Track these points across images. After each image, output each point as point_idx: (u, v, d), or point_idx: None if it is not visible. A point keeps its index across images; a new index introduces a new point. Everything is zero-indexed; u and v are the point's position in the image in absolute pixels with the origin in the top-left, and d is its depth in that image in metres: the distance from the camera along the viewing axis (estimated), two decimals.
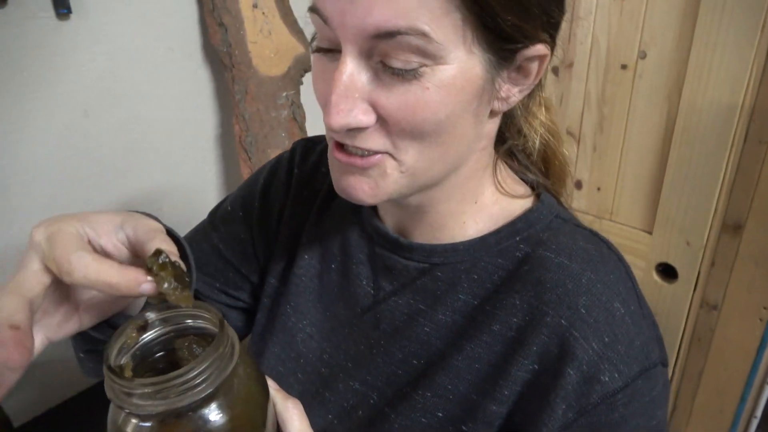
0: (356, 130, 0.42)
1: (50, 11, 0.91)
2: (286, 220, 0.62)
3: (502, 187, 0.52)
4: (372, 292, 0.55)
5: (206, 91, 1.17)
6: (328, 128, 0.41)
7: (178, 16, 1.08)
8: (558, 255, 0.47)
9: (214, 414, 0.31)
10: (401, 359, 0.51)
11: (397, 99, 0.40)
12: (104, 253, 0.40)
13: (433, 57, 0.39)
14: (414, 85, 0.39)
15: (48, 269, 0.37)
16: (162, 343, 0.35)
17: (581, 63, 1.17)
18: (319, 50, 0.43)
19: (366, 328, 0.54)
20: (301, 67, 1.18)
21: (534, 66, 0.43)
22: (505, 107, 0.45)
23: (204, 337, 0.34)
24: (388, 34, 0.38)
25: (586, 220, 1.28)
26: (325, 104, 0.41)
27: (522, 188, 0.53)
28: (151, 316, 0.34)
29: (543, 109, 0.53)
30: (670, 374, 1.22)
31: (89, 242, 0.39)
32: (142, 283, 0.35)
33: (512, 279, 0.48)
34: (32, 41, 0.90)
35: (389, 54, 0.39)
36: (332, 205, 0.60)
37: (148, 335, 0.34)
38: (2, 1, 0.85)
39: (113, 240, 0.39)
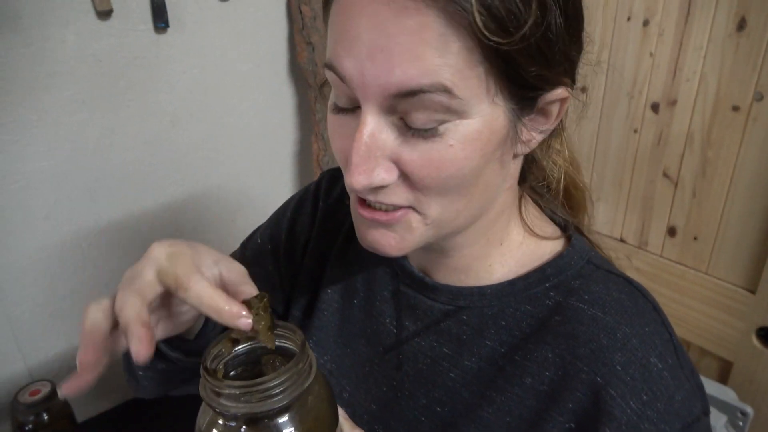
0: (379, 188, 0.41)
1: (149, 24, 0.94)
2: (310, 252, 0.61)
3: (529, 226, 0.50)
4: (395, 330, 0.53)
5: (288, 109, 1.17)
6: (350, 188, 0.40)
7: (268, 33, 1.09)
8: (591, 307, 0.45)
9: (287, 425, 0.34)
10: (425, 405, 0.50)
11: (420, 156, 0.39)
12: None
13: (456, 112, 0.38)
14: (437, 142, 0.39)
15: (161, 282, 0.40)
16: (251, 357, 0.39)
17: (686, 101, 1.08)
18: (337, 110, 0.42)
19: (388, 368, 0.53)
20: None
21: (555, 108, 0.42)
22: (526, 150, 0.44)
23: (287, 357, 0.38)
24: (411, 93, 0.37)
25: (677, 271, 1.17)
26: (346, 163, 0.40)
27: (550, 228, 0.52)
28: (245, 332, 0.39)
29: (562, 142, 0.51)
30: None
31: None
32: (241, 318, 0.38)
33: (543, 329, 0.46)
34: (131, 52, 0.94)
35: (411, 111, 0.38)
36: (356, 238, 0.58)
37: (241, 348, 0.38)
38: (107, 14, 0.89)
39: (208, 273, 0.42)
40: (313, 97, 1.10)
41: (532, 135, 0.43)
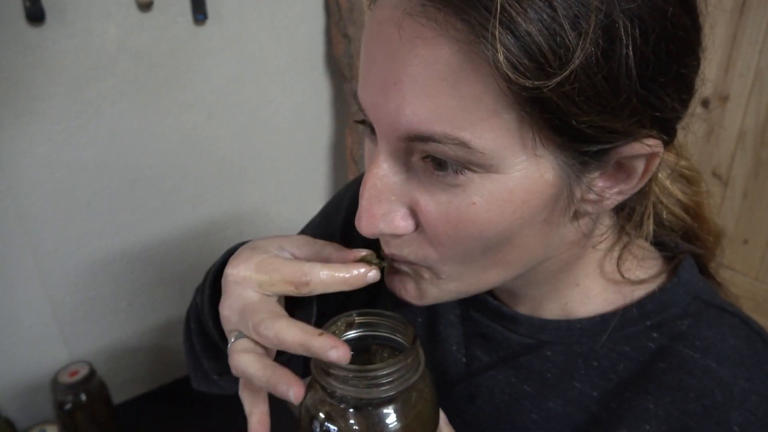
0: (390, 236, 0.36)
1: (188, 17, 0.96)
2: None
3: (620, 272, 0.42)
4: (464, 360, 0.48)
5: (323, 101, 1.17)
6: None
7: (305, 25, 1.09)
8: (704, 356, 0.39)
9: (390, 416, 0.34)
10: None
11: (437, 209, 0.33)
12: None
13: (481, 166, 0.31)
14: (457, 195, 0.32)
15: (268, 294, 0.38)
16: (362, 344, 0.39)
17: (739, 97, 1.02)
18: (368, 132, 0.37)
19: (458, 401, 0.48)
20: None
21: (638, 165, 0.34)
22: (596, 210, 0.36)
23: (396, 350, 0.39)
24: (421, 139, 0.31)
25: (725, 275, 1.11)
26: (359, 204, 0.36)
27: (652, 268, 0.43)
28: (358, 318, 0.38)
29: (683, 183, 0.44)
30: None
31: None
32: (368, 272, 0.37)
33: (644, 376, 0.40)
34: (170, 44, 0.96)
35: (430, 154, 0.32)
36: None
37: (353, 332, 0.38)
38: (148, 6, 0.91)
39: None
40: (349, 89, 1.10)
41: (606, 194, 0.35)
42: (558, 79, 0.28)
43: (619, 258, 0.42)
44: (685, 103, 0.35)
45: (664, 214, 0.45)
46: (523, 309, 0.45)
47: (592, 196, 0.35)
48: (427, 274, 0.38)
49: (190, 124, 1.03)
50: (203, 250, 1.13)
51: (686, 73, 0.33)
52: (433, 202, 0.33)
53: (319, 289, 0.37)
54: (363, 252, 0.39)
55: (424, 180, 0.33)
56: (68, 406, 0.98)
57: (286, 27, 1.07)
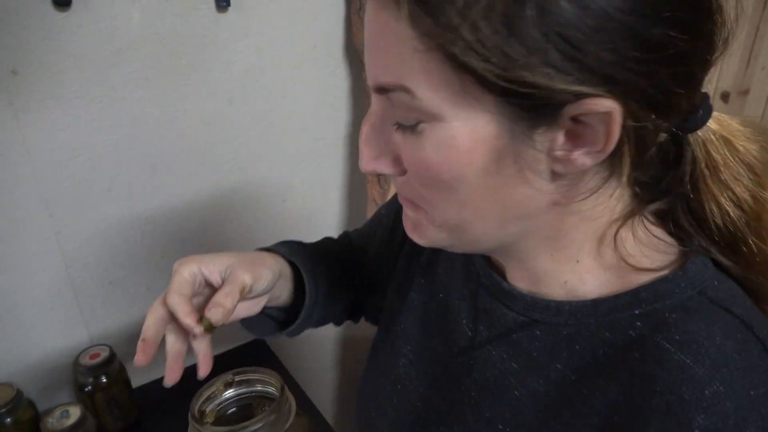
0: (391, 176, 0.41)
1: (211, 3, 0.96)
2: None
3: (622, 256, 0.41)
4: (469, 333, 0.50)
5: (342, 91, 1.18)
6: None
7: (325, 14, 1.09)
8: (680, 350, 0.36)
9: None
10: (488, 419, 0.46)
11: (408, 154, 0.38)
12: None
13: (428, 114, 0.35)
14: (417, 141, 0.37)
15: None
16: (242, 401, 0.45)
17: (759, 91, 1.02)
18: None
19: (459, 371, 0.50)
20: None
21: (598, 125, 0.33)
22: (569, 169, 0.35)
23: (274, 401, 0.43)
24: (382, 89, 0.37)
25: None
26: None
27: (661, 260, 0.41)
28: (236, 377, 0.46)
29: (743, 176, 0.40)
30: None
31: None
32: (193, 328, 0.52)
33: (618, 364, 0.39)
34: (192, 30, 0.96)
35: (396, 108, 0.37)
36: None
37: (230, 392, 0.45)
38: None
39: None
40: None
41: (572, 154, 0.35)
42: (459, 34, 0.31)
43: (616, 237, 0.41)
44: (678, 79, 0.33)
45: (716, 217, 0.40)
46: (524, 285, 0.46)
47: (558, 153, 0.35)
48: (424, 219, 0.42)
49: (211, 110, 1.03)
50: (221, 236, 1.14)
51: (671, 45, 0.31)
52: (406, 150, 0.38)
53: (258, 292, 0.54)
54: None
55: (403, 131, 0.38)
56: (89, 388, 0.99)
57: (306, 15, 1.07)
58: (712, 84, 1.07)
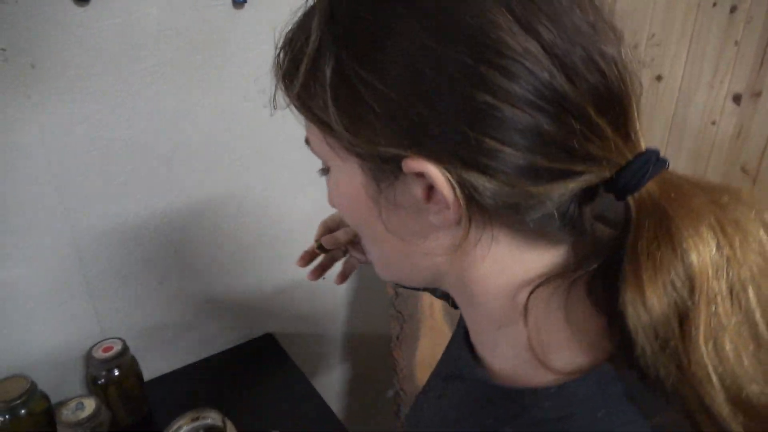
0: None
1: (228, 0, 0.96)
2: None
3: (531, 343, 0.37)
4: (454, 366, 0.51)
5: None
6: None
7: None
8: None
9: None
10: None
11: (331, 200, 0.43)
12: None
13: (323, 161, 0.40)
14: (328, 184, 0.41)
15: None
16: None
17: None
18: None
19: (431, 395, 0.51)
20: None
21: (417, 188, 0.34)
22: (439, 222, 0.35)
23: None
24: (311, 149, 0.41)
25: None
26: None
27: (584, 358, 0.35)
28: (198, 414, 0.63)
29: (692, 359, 0.29)
30: None
31: None
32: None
33: None
34: (209, 26, 0.96)
35: None
36: None
37: (198, 423, 0.63)
38: None
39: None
40: None
41: (429, 208, 0.35)
42: (291, 91, 0.37)
43: (527, 306, 0.37)
44: (468, 134, 0.31)
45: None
46: (474, 336, 0.45)
47: (423, 206, 0.35)
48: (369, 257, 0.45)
49: (226, 106, 1.04)
50: (233, 232, 1.15)
51: (466, 101, 0.30)
52: (330, 194, 0.42)
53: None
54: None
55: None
56: (101, 381, 1.00)
57: None
58: (724, 86, 1.08)
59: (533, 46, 0.30)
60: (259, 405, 1.08)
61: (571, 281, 0.36)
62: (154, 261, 1.07)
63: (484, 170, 0.32)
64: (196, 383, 1.14)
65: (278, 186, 1.16)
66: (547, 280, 0.36)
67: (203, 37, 0.97)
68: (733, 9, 1.03)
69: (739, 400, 0.29)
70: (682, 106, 1.16)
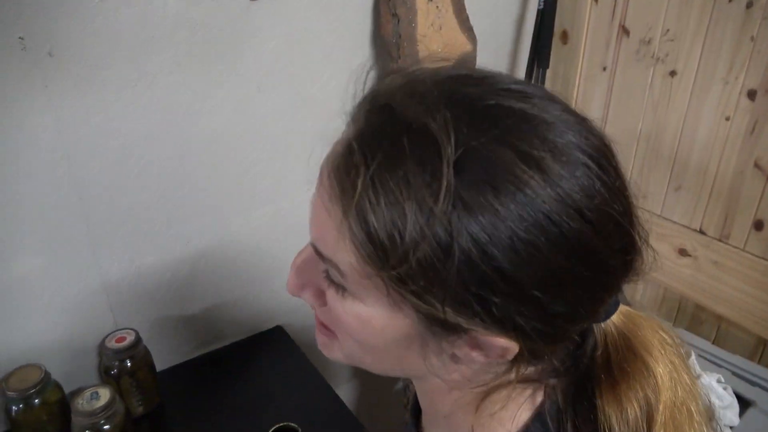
0: (311, 305, 0.44)
1: None
2: None
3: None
4: None
5: (369, 80, 1.18)
6: None
7: (354, 4, 1.10)
8: None
9: None
10: None
11: (331, 303, 0.40)
12: None
13: (352, 293, 0.38)
14: (341, 301, 0.39)
15: None
16: None
17: None
18: None
19: None
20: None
21: (477, 355, 0.38)
22: (470, 363, 0.39)
23: None
24: (319, 254, 0.39)
25: (761, 266, 1.12)
26: None
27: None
28: None
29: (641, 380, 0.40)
30: None
31: None
32: None
33: None
34: (225, 18, 0.96)
35: (325, 268, 0.39)
36: None
37: None
38: None
39: None
40: (396, 69, 1.10)
41: (471, 356, 0.38)
42: (394, 272, 0.34)
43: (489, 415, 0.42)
44: (541, 324, 0.36)
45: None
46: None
47: (458, 353, 0.38)
48: (336, 344, 0.44)
49: (240, 98, 1.04)
50: (244, 225, 1.15)
51: (543, 301, 0.34)
52: (330, 297, 0.40)
53: None
54: None
55: (330, 281, 0.40)
56: (114, 371, 1.00)
57: (335, 5, 1.07)
58: (739, 81, 1.07)
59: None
60: (270, 396, 1.09)
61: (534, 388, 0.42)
62: (165, 253, 1.08)
63: (549, 341, 0.38)
64: (207, 375, 1.14)
65: (290, 179, 1.16)
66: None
67: (218, 29, 0.97)
68: (750, 5, 1.02)
69: None
70: (695, 102, 1.15)
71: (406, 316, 0.37)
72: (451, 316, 0.35)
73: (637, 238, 0.37)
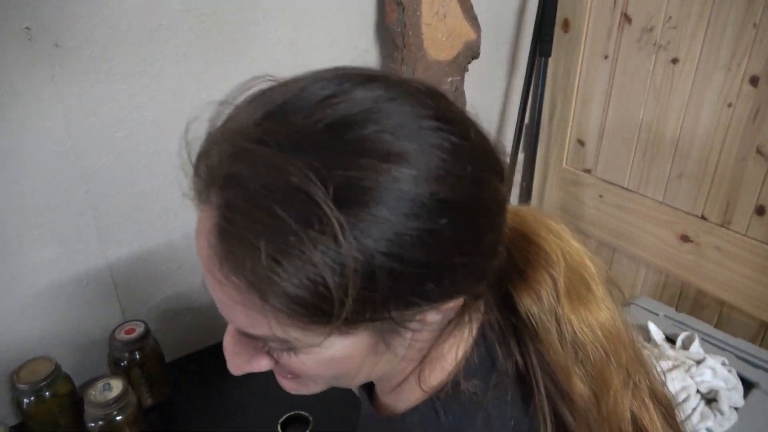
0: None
1: None
2: None
3: (422, 382, 0.46)
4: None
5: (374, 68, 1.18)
6: None
7: None
8: None
9: None
10: None
11: (286, 363, 0.41)
12: None
13: (303, 346, 0.38)
14: (294, 358, 0.39)
15: None
16: None
17: None
18: None
19: None
20: (470, 54, 1.15)
21: (433, 316, 0.40)
22: (428, 331, 0.42)
23: None
24: (254, 337, 0.39)
25: (763, 251, 1.14)
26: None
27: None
28: None
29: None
30: None
31: None
32: None
33: None
34: (230, 8, 0.96)
35: (266, 341, 0.39)
36: None
37: None
38: None
39: None
40: (400, 58, 1.10)
41: (429, 321, 0.41)
42: (340, 319, 0.35)
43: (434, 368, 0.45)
44: (474, 275, 0.40)
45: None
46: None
47: (415, 326, 0.40)
48: (307, 386, 0.46)
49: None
50: None
51: (465, 261, 0.38)
52: (282, 359, 0.41)
53: None
54: None
55: (273, 350, 0.41)
56: (124, 363, 1.00)
57: None
58: (742, 68, 1.08)
59: None
60: (279, 388, 1.09)
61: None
62: (173, 245, 1.07)
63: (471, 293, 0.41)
64: (219, 366, 1.14)
65: None
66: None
67: (225, 18, 0.96)
68: None
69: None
70: (697, 88, 1.16)
71: (363, 334, 0.39)
72: (400, 315, 0.37)
73: (500, 159, 0.41)
